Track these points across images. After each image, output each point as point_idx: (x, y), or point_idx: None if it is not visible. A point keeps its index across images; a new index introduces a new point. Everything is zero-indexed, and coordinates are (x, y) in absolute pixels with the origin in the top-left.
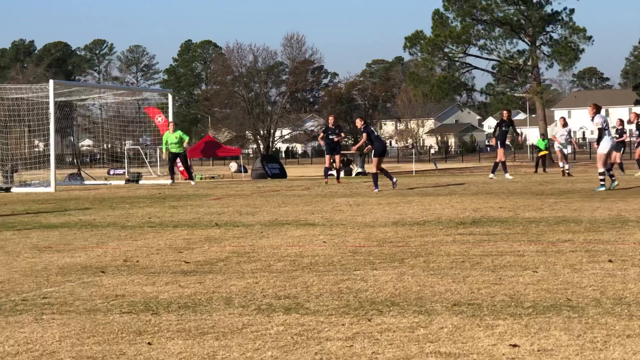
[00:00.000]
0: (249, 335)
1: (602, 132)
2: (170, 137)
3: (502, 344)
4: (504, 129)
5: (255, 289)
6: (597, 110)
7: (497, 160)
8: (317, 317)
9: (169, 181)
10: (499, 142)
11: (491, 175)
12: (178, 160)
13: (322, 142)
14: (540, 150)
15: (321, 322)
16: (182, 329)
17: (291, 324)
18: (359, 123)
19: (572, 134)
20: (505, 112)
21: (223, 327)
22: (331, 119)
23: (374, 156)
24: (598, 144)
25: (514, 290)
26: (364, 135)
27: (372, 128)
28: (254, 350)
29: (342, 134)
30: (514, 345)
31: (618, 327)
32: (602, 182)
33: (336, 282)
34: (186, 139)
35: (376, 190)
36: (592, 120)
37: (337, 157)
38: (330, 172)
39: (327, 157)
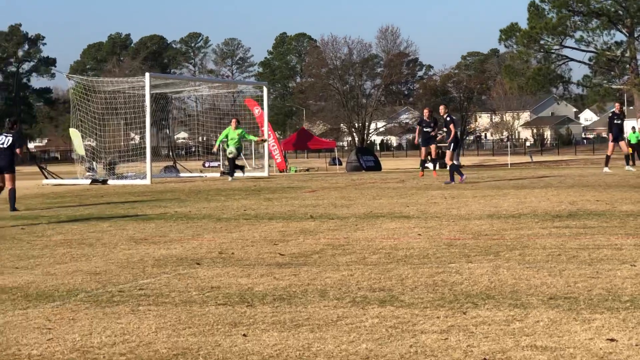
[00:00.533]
0: (343, 327)
1: None
2: (232, 133)
3: (600, 338)
4: (616, 122)
5: (350, 282)
6: None
7: (624, 153)
8: (412, 310)
9: (241, 174)
10: (610, 134)
11: (627, 167)
12: (271, 148)
13: (416, 136)
14: (632, 143)
15: (416, 314)
16: (277, 321)
17: (386, 316)
18: (442, 110)
19: None
20: (617, 104)
21: (318, 319)
22: (426, 112)
23: (453, 149)
24: None
25: (611, 284)
26: (452, 126)
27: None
28: (348, 343)
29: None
30: (612, 340)
31: None
32: None
33: (431, 274)
34: (249, 138)
35: (464, 177)
36: None
37: (432, 148)
38: (426, 165)
39: (422, 149)
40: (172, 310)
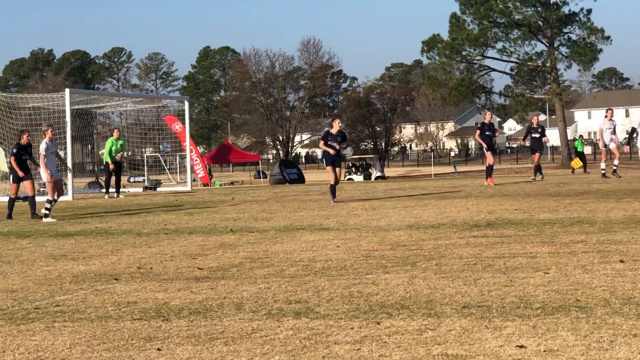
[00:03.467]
0: (257, 340)
1: None
2: (116, 144)
3: (509, 345)
4: None
5: (266, 294)
6: None
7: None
8: (326, 321)
9: (115, 194)
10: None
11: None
12: (194, 162)
13: (480, 140)
14: (577, 150)
15: (330, 325)
16: (192, 335)
17: (300, 328)
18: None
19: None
20: None
21: (232, 332)
22: (488, 116)
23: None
24: None
25: (524, 291)
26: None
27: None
28: (261, 355)
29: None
30: (521, 346)
31: (625, 326)
32: None
33: (347, 286)
34: (123, 150)
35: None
36: None
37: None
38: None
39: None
40: (88, 326)
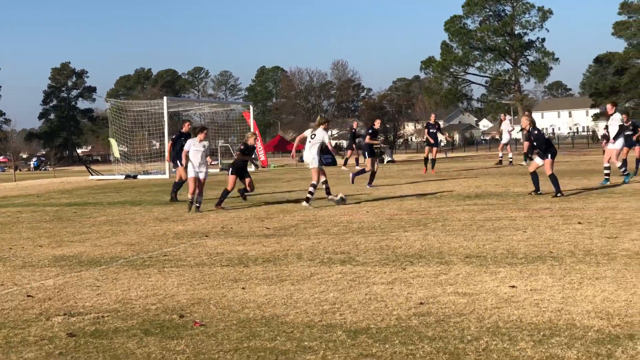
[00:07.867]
0: (315, 281)
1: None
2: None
3: (504, 285)
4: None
5: (318, 247)
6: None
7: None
8: (365, 267)
9: None
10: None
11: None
12: (258, 150)
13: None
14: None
15: (368, 270)
16: (267, 277)
17: (346, 272)
18: (377, 123)
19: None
20: (624, 115)
21: (296, 275)
22: (433, 116)
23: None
24: (615, 140)
25: (509, 245)
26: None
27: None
28: (320, 292)
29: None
30: (513, 286)
31: (589, 272)
32: (606, 176)
33: (378, 241)
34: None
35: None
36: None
37: (434, 149)
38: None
39: (427, 148)
40: (189, 270)
